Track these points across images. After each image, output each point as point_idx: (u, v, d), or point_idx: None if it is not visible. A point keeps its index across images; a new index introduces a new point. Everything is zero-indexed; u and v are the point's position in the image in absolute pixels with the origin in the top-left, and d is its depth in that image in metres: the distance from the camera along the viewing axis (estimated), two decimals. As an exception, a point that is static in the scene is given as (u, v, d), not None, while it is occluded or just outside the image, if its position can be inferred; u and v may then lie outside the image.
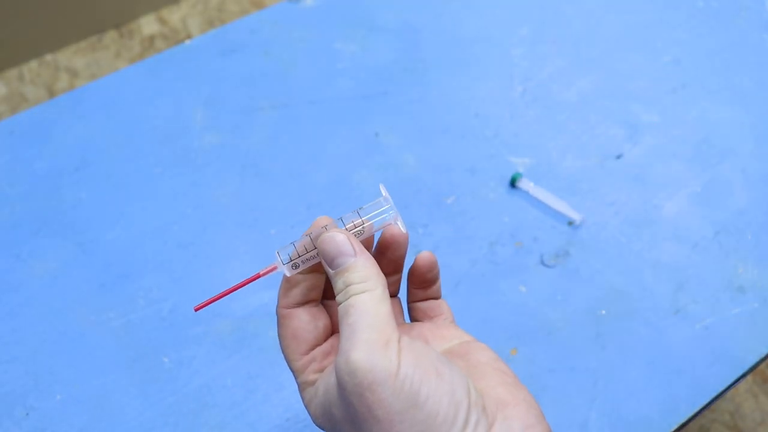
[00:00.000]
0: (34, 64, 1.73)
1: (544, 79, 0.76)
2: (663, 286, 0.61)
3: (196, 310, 0.37)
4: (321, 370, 0.37)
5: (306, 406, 0.37)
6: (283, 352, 0.38)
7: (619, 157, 0.69)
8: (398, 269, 0.40)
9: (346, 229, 0.36)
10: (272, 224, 0.65)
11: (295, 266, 0.36)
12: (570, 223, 0.64)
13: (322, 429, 0.36)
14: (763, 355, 0.57)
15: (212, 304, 0.36)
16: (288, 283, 0.37)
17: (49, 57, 1.74)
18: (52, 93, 1.66)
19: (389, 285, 0.40)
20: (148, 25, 1.80)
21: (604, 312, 0.59)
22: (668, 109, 0.73)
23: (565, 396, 0.55)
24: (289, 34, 0.81)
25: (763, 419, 1.19)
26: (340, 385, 0.32)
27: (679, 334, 0.58)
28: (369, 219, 0.37)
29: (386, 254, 0.39)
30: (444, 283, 0.61)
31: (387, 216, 0.37)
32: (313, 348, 0.37)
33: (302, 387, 0.37)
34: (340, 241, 0.34)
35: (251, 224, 0.65)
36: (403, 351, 0.32)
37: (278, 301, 0.38)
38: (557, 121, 0.72)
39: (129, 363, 0.57)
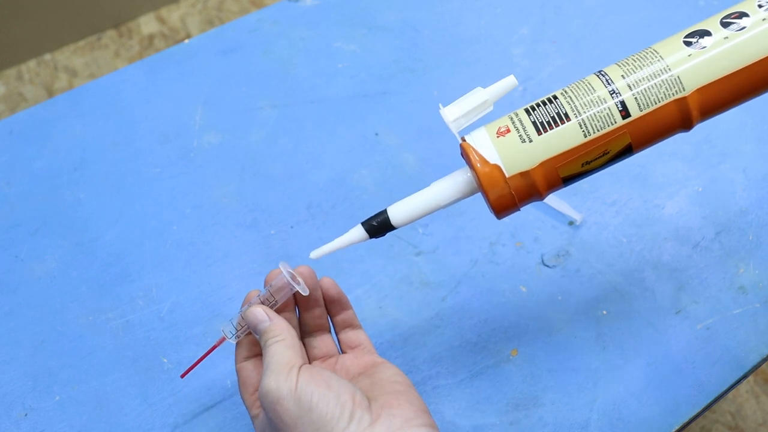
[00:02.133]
0: (32, 63, 1.72)
1: (544, 79, 0.75)
2: (664, 286, 0.60)
3: (182, 377, 0.52)
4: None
5: None
6: (240, 396, 0.48)
7: (619, 156, 0.69)
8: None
9: (263, 301, 0.47)
10: (272, 224, 0.65)
11: (237, 336, 0.48)
12: (570, 223, 0.64)
13: None
14: (764, 356, 0.57)
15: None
16: (237, 346, 0.49)
17: (47, 56, 1.74)
18: (50, 92, 1.66)
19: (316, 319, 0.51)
20: (147, 24, 1.80)
21: (605, 312, 0.59)
22: (669, 108, 0.73)
23: (565, 396, 0.55)
24: (288, 33, 0.80)
25: (764, 420, 1.19)
26: (263, 407, 0.42)
27: (680, 334, 0.58)
28: (278, 292, 0.47)
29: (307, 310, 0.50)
30: (444, 283, 0.61)
31: (294, 285, 0.47)
32: (257, 390, 0.47)
33: (253, 419, 0.47)
34: (257, 313, 0.46)
35: (251, 224, 0.65)
36: (302, 373, 0.42)
37: (234, 359, 0.49)
38: (558, 121, 0.72)
39: (128, 363, 0.57)
